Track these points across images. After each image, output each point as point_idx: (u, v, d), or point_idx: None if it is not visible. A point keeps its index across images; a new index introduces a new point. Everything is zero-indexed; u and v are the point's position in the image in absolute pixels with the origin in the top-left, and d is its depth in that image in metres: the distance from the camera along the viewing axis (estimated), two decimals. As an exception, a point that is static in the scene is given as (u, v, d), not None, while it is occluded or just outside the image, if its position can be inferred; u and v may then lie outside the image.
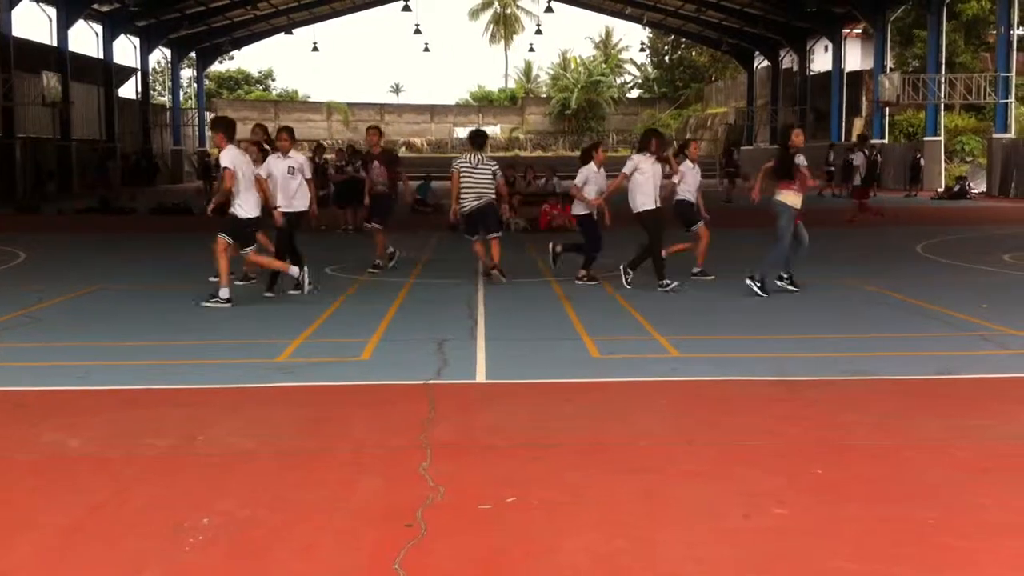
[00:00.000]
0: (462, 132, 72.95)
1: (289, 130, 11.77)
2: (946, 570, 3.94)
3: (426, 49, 71.81)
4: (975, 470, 5.20)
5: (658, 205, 11.94)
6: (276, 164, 11.33)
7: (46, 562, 4.08)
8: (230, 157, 10.42)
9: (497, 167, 12.57)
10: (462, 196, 12.32)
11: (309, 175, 11.62)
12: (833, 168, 34.67)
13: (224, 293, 10.50)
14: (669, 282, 11.62)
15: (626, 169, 12.14)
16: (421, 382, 7.11)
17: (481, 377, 7.41)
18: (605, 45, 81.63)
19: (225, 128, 10.68)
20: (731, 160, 34.50)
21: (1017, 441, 5.71)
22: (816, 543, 4.21)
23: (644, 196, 11.89)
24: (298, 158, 11.60)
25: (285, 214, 11.26)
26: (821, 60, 50.77)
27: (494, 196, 12.47)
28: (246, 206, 10.59)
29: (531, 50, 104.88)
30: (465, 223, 12.62)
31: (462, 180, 12.28)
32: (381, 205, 13.78)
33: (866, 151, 25.81)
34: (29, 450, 5.63)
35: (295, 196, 11.36)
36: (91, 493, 4.90)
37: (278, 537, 4.30)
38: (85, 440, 5.80)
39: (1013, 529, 4.35)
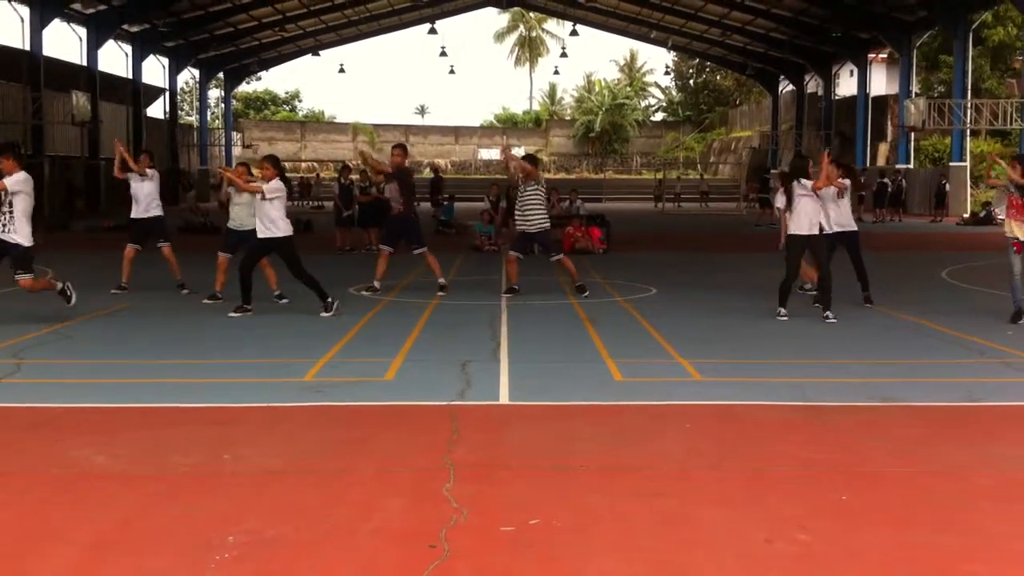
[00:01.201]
0: (486, 154, 73.23)
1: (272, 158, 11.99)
2: (968, 598, 3.95)
3: (451, 71, 72.33)
4: (997, 498, 5.19)
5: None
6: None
7: (74, 575, 4.14)
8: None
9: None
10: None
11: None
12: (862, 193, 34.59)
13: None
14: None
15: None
16: (444, 403, 7.15)
17: (504, 399, 7.45)
18: (630, 68, 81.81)
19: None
20: (765, 186, 34.65)
21: (1041, 470, 5.70)
22: (838, 569, 4.22)
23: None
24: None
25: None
26: (846, 84, 50.72)
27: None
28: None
29: (556, 72, 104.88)
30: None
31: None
32: (405, 227, 13.46)
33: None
34: (57, 466, 5.71)
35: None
36: (118, 509, 4.97)
37: (303, 556, 4.34)
38: (112, 457, 5.88)
39: (1036, 558, 4.34)
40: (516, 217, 13.43)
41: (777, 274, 12.60)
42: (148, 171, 13.50)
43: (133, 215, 13.59)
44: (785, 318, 11.06)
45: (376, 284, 13.50)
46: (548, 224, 13.32)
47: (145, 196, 13.44)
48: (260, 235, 11.32)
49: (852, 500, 5.12)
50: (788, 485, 5.36)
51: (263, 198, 11.18)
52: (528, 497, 5.13)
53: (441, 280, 13.55)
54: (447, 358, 8.85)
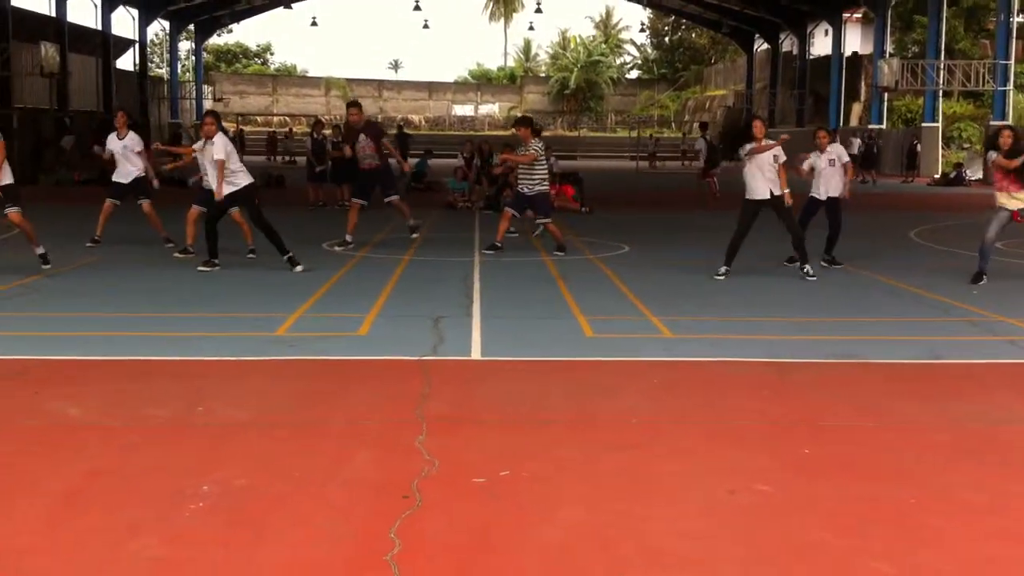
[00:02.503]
0: (460, 110, 72.85)
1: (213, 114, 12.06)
2: (920, 546, 4.07)
3: (425, 26, 71.58)
4: (954, 452, 5.34)
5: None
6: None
7: (47, 526, 4.19)
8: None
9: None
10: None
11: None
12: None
13: None
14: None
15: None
16: (417, 358, 7.22)
17: (476, 354, 7.53)
18: (605, 25, 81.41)
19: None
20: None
21: (995, 426, 5.84)
22: (797, 519, 4.34)
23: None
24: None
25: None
26: (821, 44, 50.75)
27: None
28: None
29: (531, 28, 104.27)
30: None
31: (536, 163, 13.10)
32: (379, 177, 13.67)
33: (707, 137, 26.42)
34: (30, 417, 5.74)
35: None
36: (91, 460, 5.02)
37: (276, 506, 4.42)
38: (85, 408, 5.91)
39: (986, 510, 4.48)
40: (519, 177, 13.45)
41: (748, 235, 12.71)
42: (124, 131, 13.35)
43: (115, 178, 13.47)
44: (722, 277, 11.19)
45: (348, 238, 13.55)
46: (546, 187, 13.34)
47: (127, 158, 13.31)
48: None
49: (813, 453, 5.24)
50: (751, 439, 5.47)
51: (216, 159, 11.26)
52: (499, 450, 5.22)
53: (411, 222, 13.69)
54: (420, 314, 8.91)
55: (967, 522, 4.34)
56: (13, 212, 11.02)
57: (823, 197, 12.30)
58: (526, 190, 13.19)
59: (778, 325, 8.94)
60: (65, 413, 5.82)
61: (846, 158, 12.60)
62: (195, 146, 11.68)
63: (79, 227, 13.78)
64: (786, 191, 11.29)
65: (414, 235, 13.65)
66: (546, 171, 13.41)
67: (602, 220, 18.90)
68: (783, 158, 11.29)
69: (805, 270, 11.33)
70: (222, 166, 11.21)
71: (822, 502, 4.54)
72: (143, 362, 7.12)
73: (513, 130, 13.29)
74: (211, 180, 11.47)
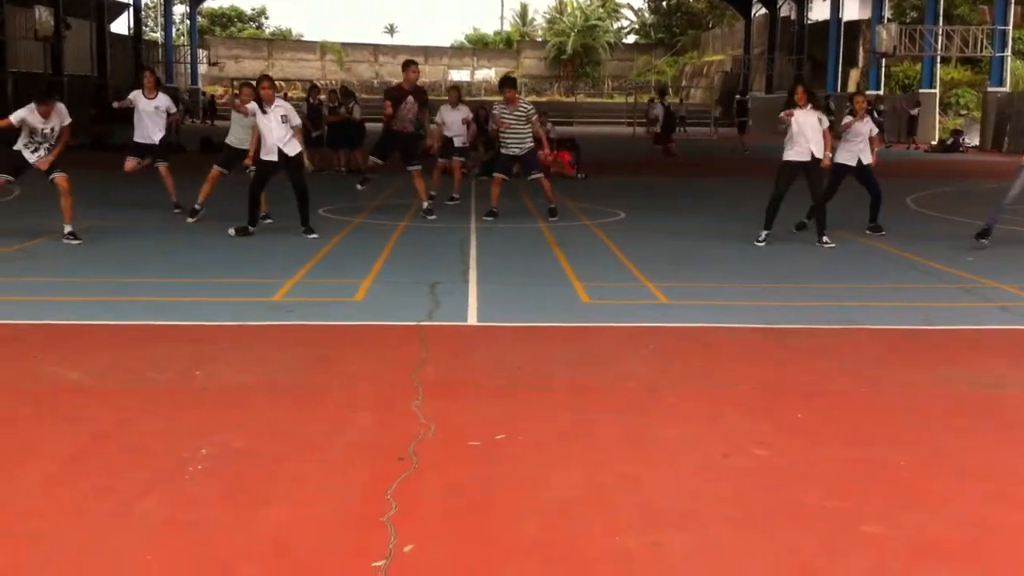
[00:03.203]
0: (456, 75, 72.45)
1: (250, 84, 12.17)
2: (915, 508, 4.12)
3: (422, -11, 70.99)
4: (948, 416, 5.39)
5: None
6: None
7: (49, 488, 4.23)
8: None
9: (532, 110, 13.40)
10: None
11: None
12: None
13: None
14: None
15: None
16: (413, 323, 7.25)
17: (472, 320, 7.56)
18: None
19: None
20: (743, 109, 34.54)
21: (989, 390, 5.89)
22: (793, 481, 4.39)
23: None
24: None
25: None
26: (819, 9, 50.42)
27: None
28: None
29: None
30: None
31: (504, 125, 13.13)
32: (406, 143, 13.21)
33: (664, 102, 26.41)
34: (30, 381, 5.77)
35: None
36: (92, 423, 5.05)
37: (275, 468, 4.46)
38: (84, 373, 5.94)
39: (979, 473, 4.54)
40: (506, 139, 13.27)
41: (745, 200, 12.75)
42: (154, 92, 13.02)
43: (137, 139, 13.13)
44: (763, 243, 11.23)
45: (368, 177, 13.67)
46: (531, 143, 13.27)
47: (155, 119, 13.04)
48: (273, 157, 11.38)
49: (809, 418, 5.29)
50: (747, 404, 5.52)
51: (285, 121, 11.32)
52: (495, 414, 5.26)
53: (426, 204, 13.42)
54: (417, 279, 8.93)
55: (959, 485, 4.39)
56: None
57: (854, 164, 12.24)
58: (516, 151, 13.22)
59: (774, 291, 8.97)
60: (65, 377, 5.85)
61: (875, 129, 12.52)
62: (250, 107, 11.48)
63: (81, 192, 13.73)
64: (828, 154, 11.33)
65: (431, 216, 13.31)
66: (525, 131, 13.19)
67: (598, 186, 18.88)
68: (827, 122, 11.44)
69: (824, 240, 11.28)
70: (300, 131, 11.52)
71: (816, 465, 4.59)
72: (141, 327, 7.14)
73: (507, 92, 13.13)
74: (281, 143, 11.33)
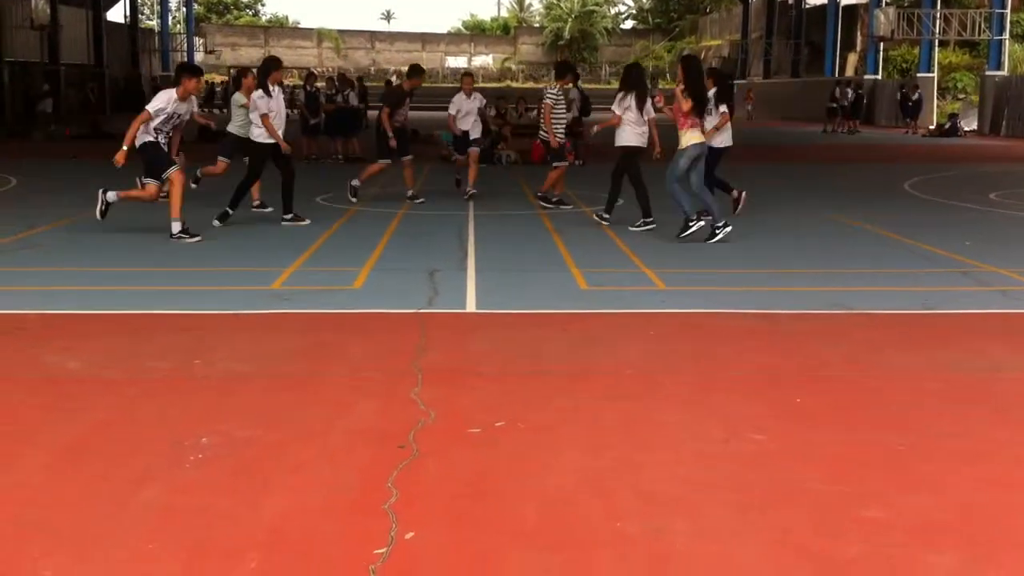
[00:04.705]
0: (453, 61, 72.32)
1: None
2: (912, 491, 4.15)
3: (418, -25, 70.79)
4: (945, 400, 5.41)
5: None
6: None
7: (51, 476, 4.25)
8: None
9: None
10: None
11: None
12: (835, 105, 34.61)
13: None
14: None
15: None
16: (412, 311, 7.27)
17: (471, 307, 7.57)
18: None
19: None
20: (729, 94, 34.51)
21: (987, 374, 5.91)
22: (791, 466, 4.41)
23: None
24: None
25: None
26: (817, -7, 50.39)
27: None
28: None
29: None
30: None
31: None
32: (405, 139, 13.58)
33: (579, 86, 26.38)
34: (31, 370, 5.79)
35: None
36: (93, 412, 5.07)
37: (275, 455, 4.48)
38: (85, 362, 5.96)
39: (977, 456, 4.56)
40: (556, 125, 13.26)
41: (741, 184, 12.75)
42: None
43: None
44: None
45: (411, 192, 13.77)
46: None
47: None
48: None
49: (806, 402, 5.31)
50: (745, 389, 5.54)
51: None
52: (495, 401, 5.28)
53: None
54: (415, 267, 8.94)
55: (957, 469, 4.41)
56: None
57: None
58: (561, 137, 13.43)
59: (771, 277, 8.99)
60: (65, 366, 5.87)
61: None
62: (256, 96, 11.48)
63: (79, 181, 13.74)
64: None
65: (418, 200, 13.52)
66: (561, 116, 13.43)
67: (597, 172, 18.85)
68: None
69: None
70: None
71: (814, 449, 4.61)
72: (141, 316, 7.16)
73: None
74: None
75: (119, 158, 9.91)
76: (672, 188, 10.60)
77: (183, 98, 10.24)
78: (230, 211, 11.32)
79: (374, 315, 7.29)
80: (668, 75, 65.42)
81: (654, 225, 11.17)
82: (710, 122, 11.15)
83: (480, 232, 11.15)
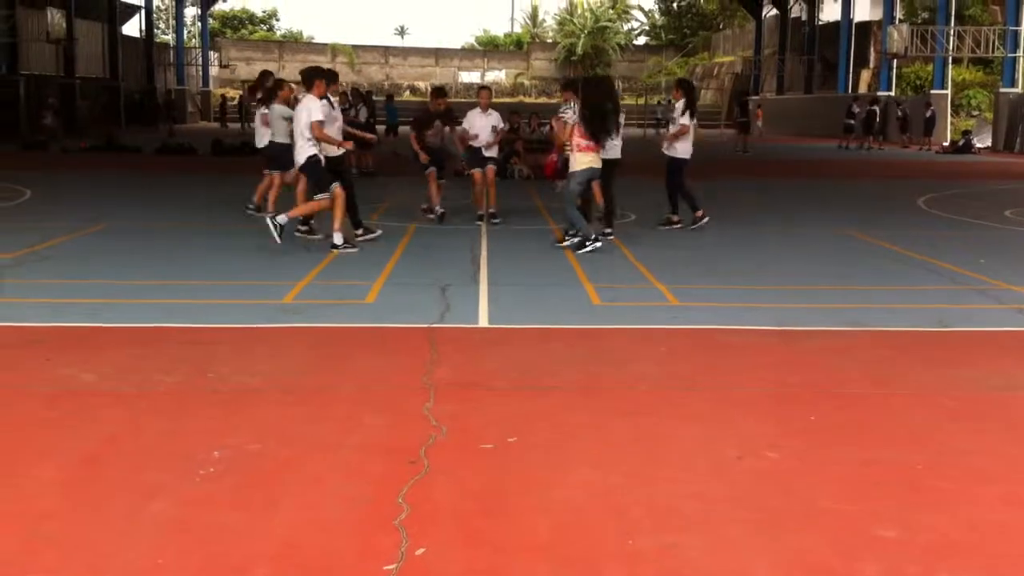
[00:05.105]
0: (466, 77, 72.49)
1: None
2: (929, 510, 4.11)
3: (432, -9, 71.03)
4: (961, 418, 5.37)
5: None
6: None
7: (65, 489, 4.24)
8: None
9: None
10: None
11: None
12: (852, 121, 34.54)
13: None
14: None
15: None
16: (425, 325, 7.25)
17: (483, 322, 7.56)
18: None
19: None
20: (745, 110, 34.49)
21: (1004, 392, 5.87)
22: (806, 484, 4.37)
23: None
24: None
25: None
26: (830, 9, 50.33)
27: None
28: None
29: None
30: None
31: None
32: (440, 156, 13.47)
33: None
34: (44, 383, 5.79)
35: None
36: (106, 425, 5.06)
37: (286, 469, 4.46)
38: (99, 375, 5.96)
39: (995, 475, 4.52)
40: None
41: (755, 198, 12.72)
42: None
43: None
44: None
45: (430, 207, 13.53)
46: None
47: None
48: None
49: (820, 420, 5.28)
50: (759, 405, 5.51)
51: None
52: (507, 416, 5.25)
53: (424, 205, 13.65)
54: (427, 282, 8.93)
55: (973, 487, 4.37)
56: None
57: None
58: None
59: (785, 293, 8.95)
60: (79, 379, 5.87)
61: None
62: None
63: (93, 193, 13.80)
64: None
65: (430, 215, 13.38)
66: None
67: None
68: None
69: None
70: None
71: (829, 467, 4.58)
72: (153, 329, 7.16)
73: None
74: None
75: (346, 145, 11.03)
76: (570, 212, 10.86)
77: (321, 98, 10.64)
78: (362, 223, 11.42)
79: (386, 329, 7.28)
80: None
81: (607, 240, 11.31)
82: (672, 130, 11.74)
83: (493, 247, 11.14)
